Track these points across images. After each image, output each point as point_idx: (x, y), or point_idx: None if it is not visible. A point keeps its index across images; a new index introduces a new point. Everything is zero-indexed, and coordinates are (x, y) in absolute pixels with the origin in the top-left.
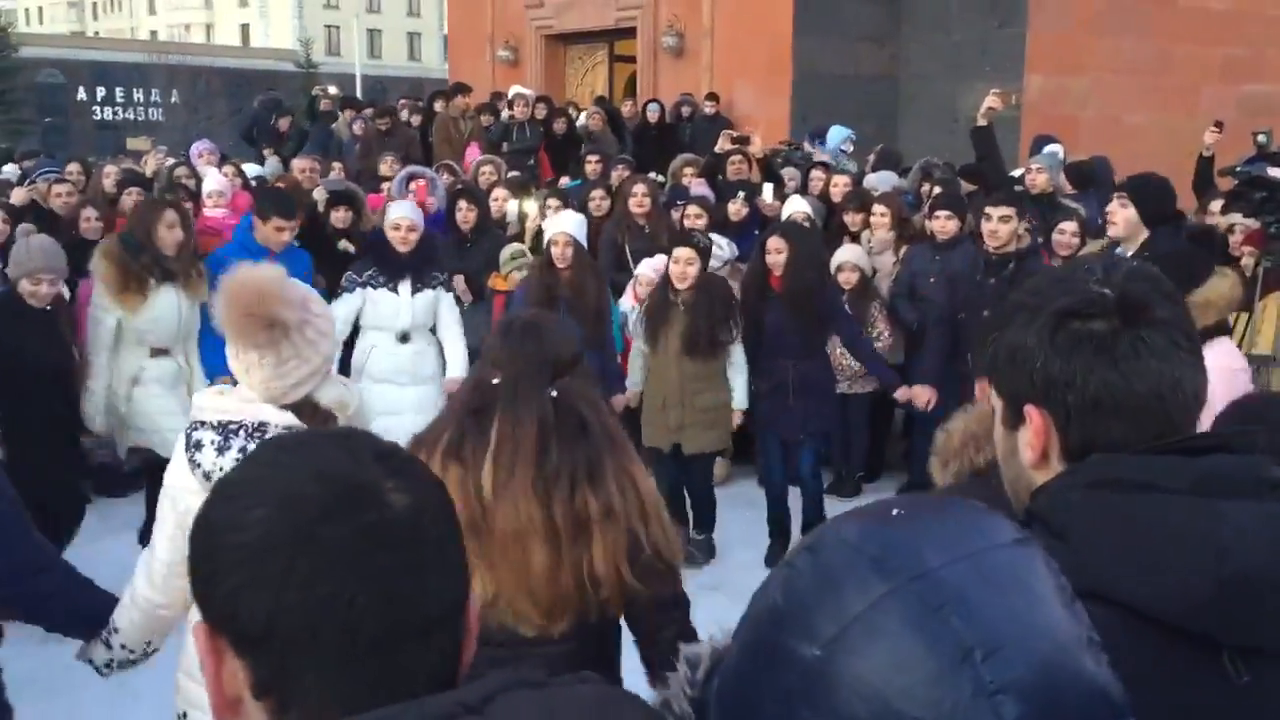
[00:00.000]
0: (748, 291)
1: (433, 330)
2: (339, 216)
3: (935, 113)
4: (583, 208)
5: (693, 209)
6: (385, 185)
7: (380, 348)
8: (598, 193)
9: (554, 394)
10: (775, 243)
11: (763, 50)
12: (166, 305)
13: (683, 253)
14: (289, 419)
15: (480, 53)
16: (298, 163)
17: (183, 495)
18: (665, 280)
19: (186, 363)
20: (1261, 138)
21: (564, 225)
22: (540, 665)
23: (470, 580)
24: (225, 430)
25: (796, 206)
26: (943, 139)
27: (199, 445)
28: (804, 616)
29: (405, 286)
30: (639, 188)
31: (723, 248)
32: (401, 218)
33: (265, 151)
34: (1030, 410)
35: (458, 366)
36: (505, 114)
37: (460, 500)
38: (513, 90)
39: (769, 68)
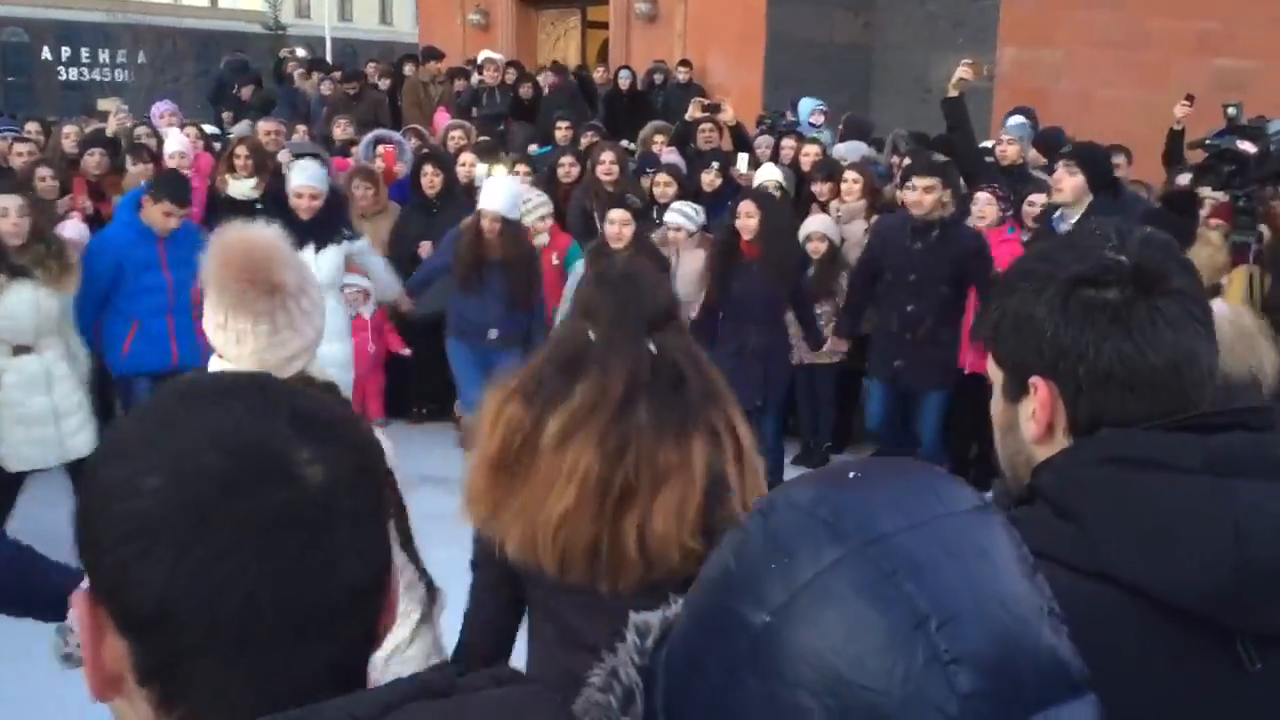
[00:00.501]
0: (717, 256)
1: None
2: None
3: (908, 83)
4: (552, 173)
5: (662, 177)
6: (353, 150)
7: None
8: (567, 159)
9: (651, 347)
10: (746, 207)
11: (736, 18)
12: (19, 302)
13: (617, 214)
14: None
15: (452, 17)
16: (263, 124)
17: None
18: (602, 241)
19: (66, 354)
20: (1232, 110)
21: (495, 204)
22: (617, 621)
23: (389, 552)
24: None
25: (769, 174)
26: (915, 109)
27: None
28: (754, 582)
29: (309, 248)
30: (608, 154)
31: (692, 216)
32: (304, 186)
33: (225, 116)
34: (1037, 382)
35: (391, 289)
36: (475, 79)
37: (504, 438)
38: (482, 55)
39: (742, 35)
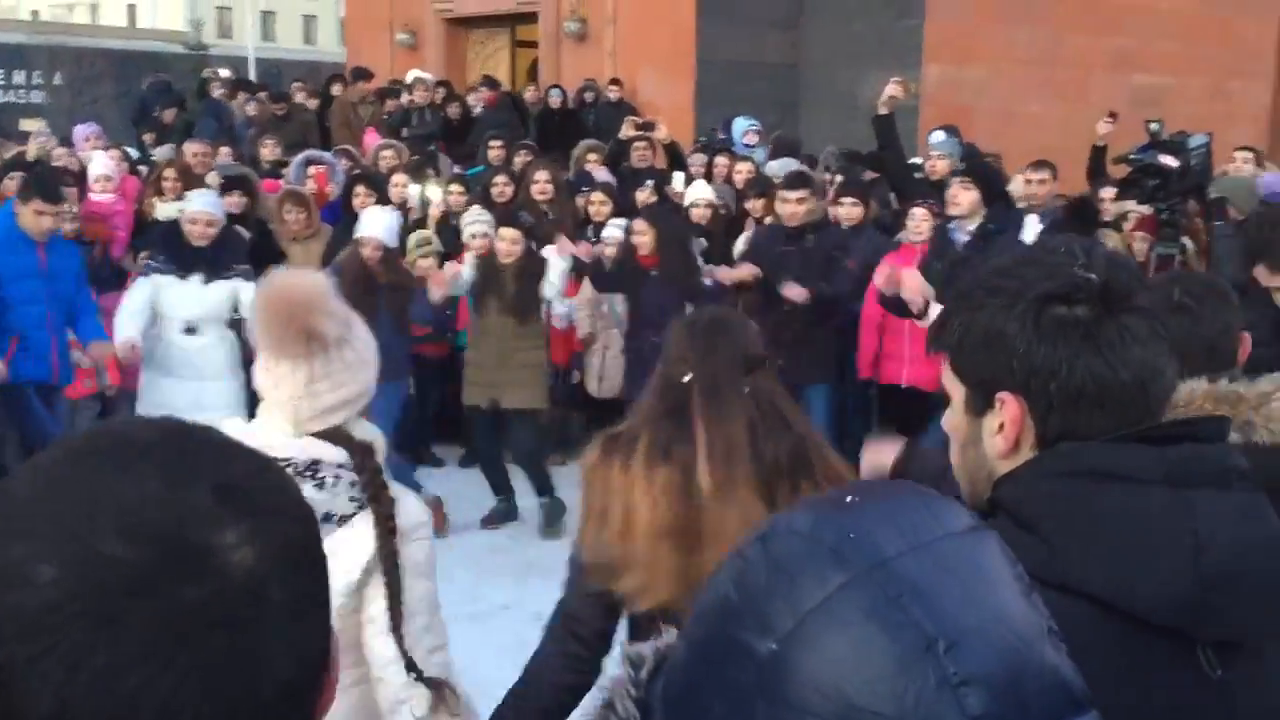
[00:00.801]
0: (621, 268)
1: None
2: (233, 201)
3: (836, 101)
4: (485, 193)
5: (598, 195)
6: (285, 171)
7: (164, 339)
8: (501, 178)
9: (747, 390)
10: (639, 225)
11: (666, 36)
12: None
13: (508, 233)
14: (341, 456)
15: (379, 37)
16: (189, 146)
17: None
18: (492, 254)
19: None
20: (1154, 126)
21: (375, 230)
22: None
23: (329, 639)
24: None
25: (699, 193)
26: (844, 127)
27: None
28: (757, 609)
29: (197, 277)
30: (541, 174)
31: (621, 236)
32: (201, 212)
33: (146, 138)
34: (1006, 397)
35: None
36: (405, 99)
37: (672, 502)
38: (412, 75)
39: (672, 54)
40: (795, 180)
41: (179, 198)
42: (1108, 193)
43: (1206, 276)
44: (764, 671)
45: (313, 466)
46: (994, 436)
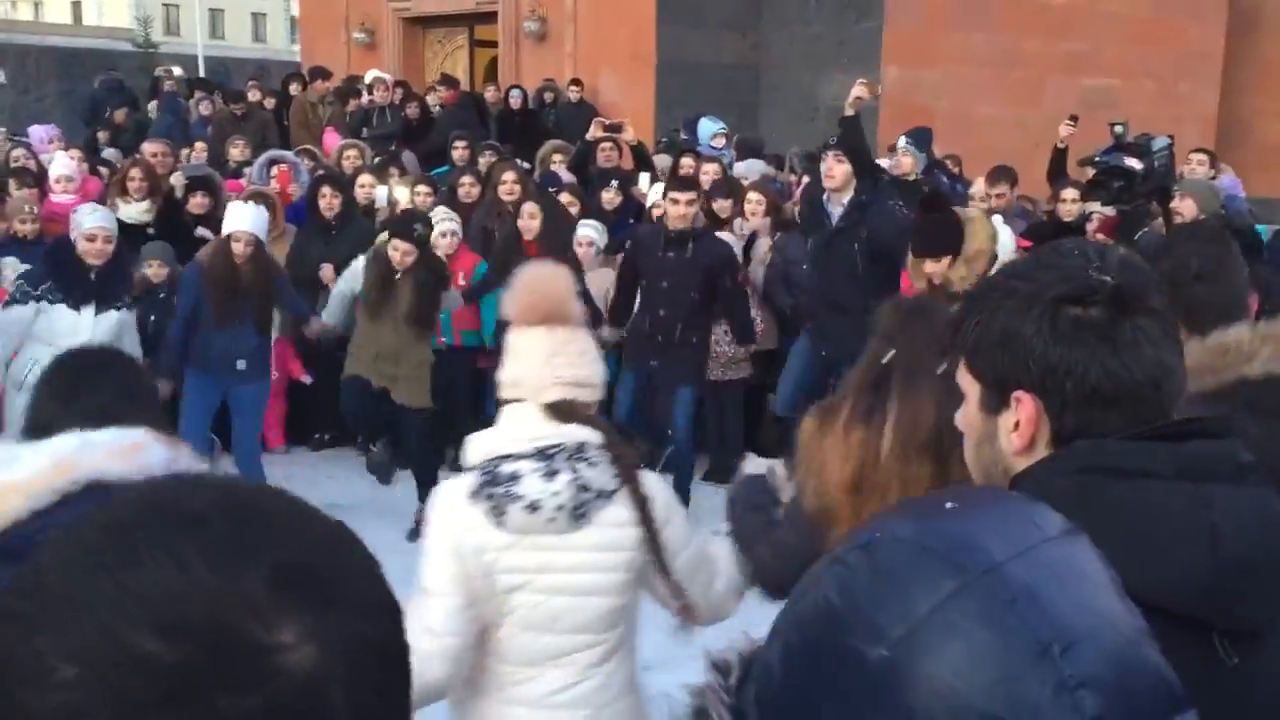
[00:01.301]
0: (501, 254)
1: None
2: (197, 203)
3: (796, 103)
4: (452, 193)
5: (565, 196)
6: (247, 171)
7: (40, 363)
8: (467, 179)
9: (941, 370)
10: (530, 209)
11: (626, 37)
12: None
13: (401, 244)
14: (599, 438)
15: (335, 35)
16: (148, 146)
17: (465, 535)
18: (387, 260)
19: None
20: (1119, 129)
21: (246, 224)
22: None
23: None
24: (545, 455)
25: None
26: (803, 128)
27: (514, 478)
28: (866, 616)
29: (89, 307)
30: (509, 174)
31: (594, 237)
32: (99, 227)
33: (101, 136)
34: (1022, 396)
35: None
36: (365, 99)
37: (857, 460)
38: (371, 74)
39: (632, 54)
40: (684, 183)
41: (143, 198)
42: (1069, 194)
43: (1214, 232)
44: (875, 677)
45: (581, 447)
46: (1010, 434)
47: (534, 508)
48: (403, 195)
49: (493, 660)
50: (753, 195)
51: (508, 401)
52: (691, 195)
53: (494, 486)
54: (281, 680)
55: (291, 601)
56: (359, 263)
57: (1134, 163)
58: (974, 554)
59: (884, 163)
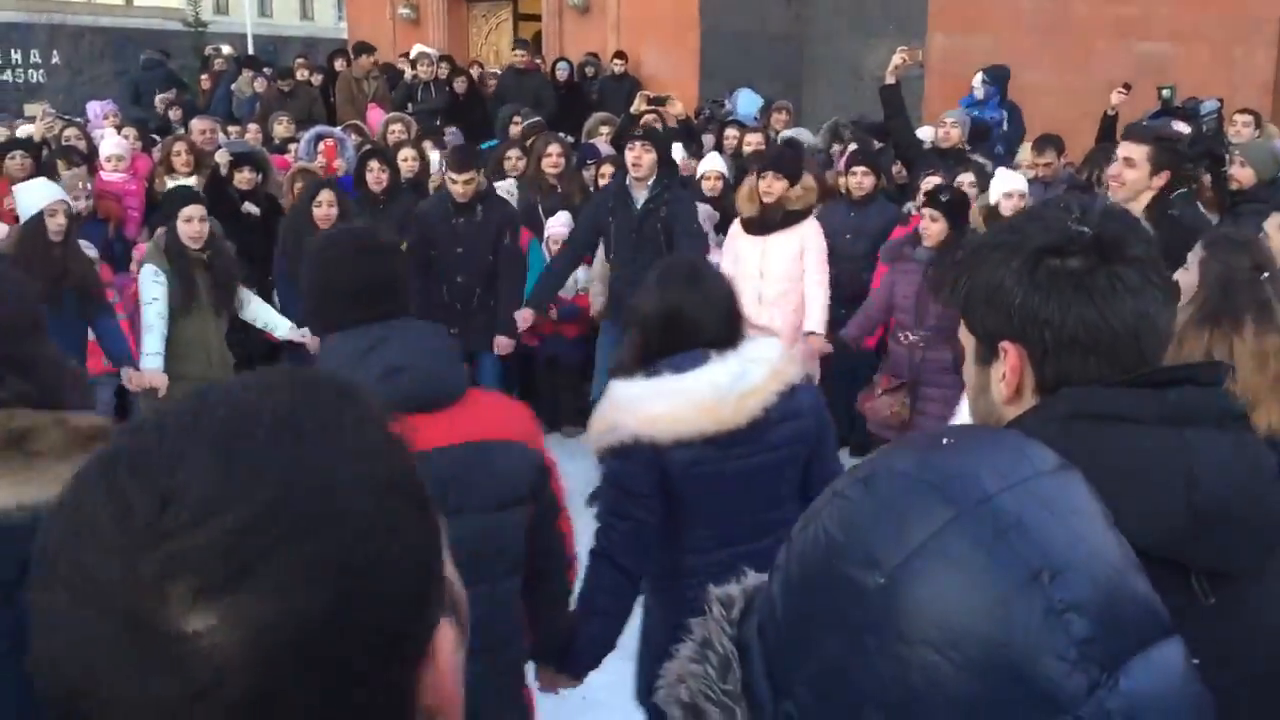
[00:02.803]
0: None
1: None
2: (243, 178)
3: (840, 71)
4: (498, 167)
5: (607, 168)
6: (292, 147)
7: None
8: (513, 152)
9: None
10: (465, 175)
11: (669, 9)
12: None
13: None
14: None
15: (380, 11)
16: (196, 124)
17: None
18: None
19: None
20: (1166, 92)
21: (55, 194)
22: None
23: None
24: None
25: (711, 164)
26: (848, 97)
27: None
28: (864, 546)
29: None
30: (553, 147)
31: (564, 234)
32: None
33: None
34: (1007, 346)
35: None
36: (409, 74)
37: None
38: (415, 49)
39: (676, 25)
40: (464, 162)
41: (190, 174)
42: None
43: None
44: (872, 604)
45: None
46: (999, 384)
47: None
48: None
49: None
50: (710, 169)
51: None
52: (470, 174)
53: None
54: (186, 668)
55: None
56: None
57: (1181, 127)
58: (968, 486)
59: (927, 131)
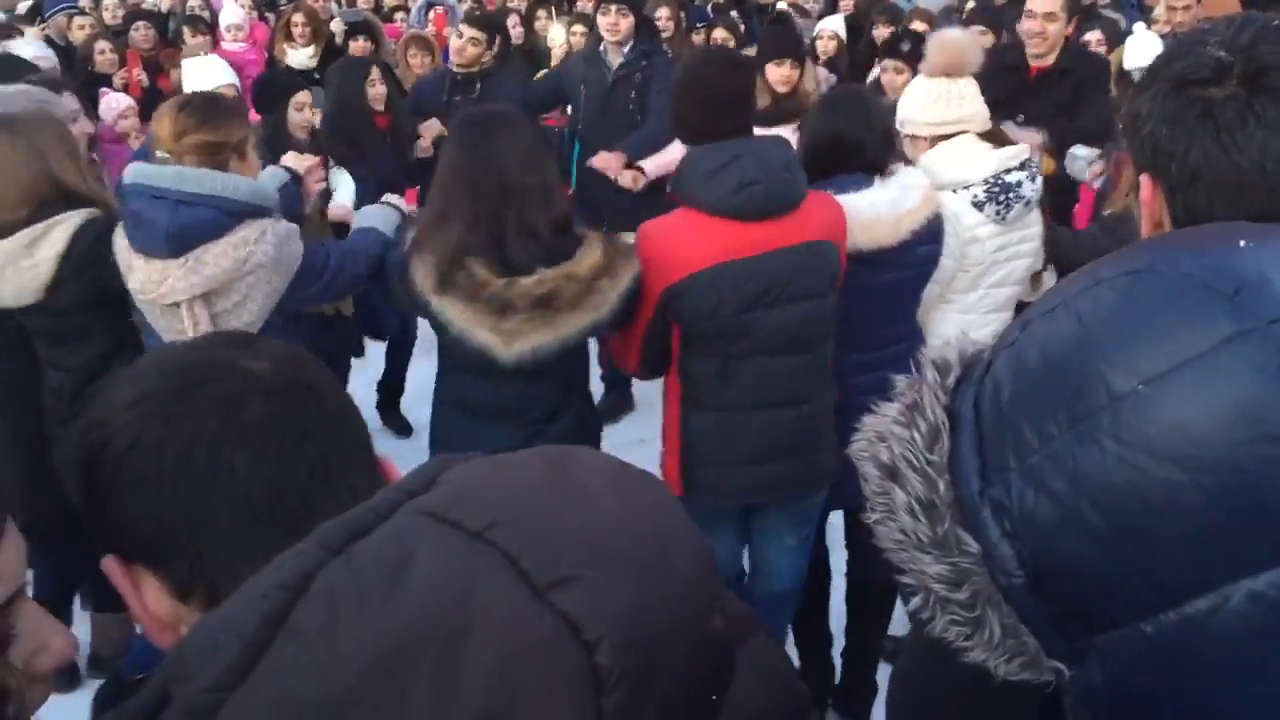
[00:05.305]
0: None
1: None
2: (358, 47)
3: None
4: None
5: (720, 31)
6: (399, 15)
7: None
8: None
9: None
10: (374, 74)
11: None
12: None
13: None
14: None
15: None
16: None
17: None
18: None
19: None
20: None
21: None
22: None
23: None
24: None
25: (828, 25)
26: None
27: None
28: (1125, 345)
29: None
30: (663, 10)
31: None
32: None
33: None
34: (1143, 179)
35: None
36: None
37: None
38: None
39: None
40: (424, 43)
41: (308, 44)
42: None
43: None
44: (1123, 409)
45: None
46: (1142, 218)
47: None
48: (559, 36)
49: None
50: (917, 24)
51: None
52: (477, 32)
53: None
54: (251, 371)
55: (240, 348)
56: None
57: None
58: (1265, 300)
59: None
